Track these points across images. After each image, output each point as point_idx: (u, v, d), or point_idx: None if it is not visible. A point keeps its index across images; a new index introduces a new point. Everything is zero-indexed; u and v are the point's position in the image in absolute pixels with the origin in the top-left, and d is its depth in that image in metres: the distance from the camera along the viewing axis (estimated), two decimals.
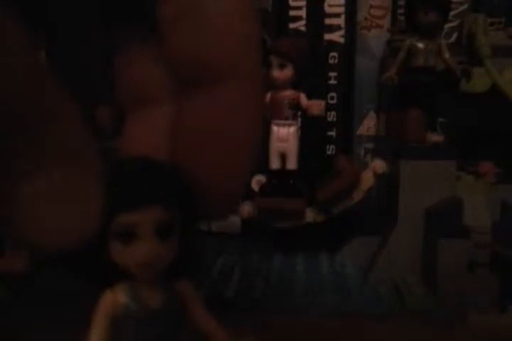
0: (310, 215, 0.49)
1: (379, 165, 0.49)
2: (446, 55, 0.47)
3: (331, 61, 0.61)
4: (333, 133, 0.62)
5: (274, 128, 0.49)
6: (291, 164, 0.49)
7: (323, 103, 0.49)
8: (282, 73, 0.48)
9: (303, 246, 0.50)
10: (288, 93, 0.49)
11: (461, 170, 0.46)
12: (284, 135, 0.49)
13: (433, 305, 0.38)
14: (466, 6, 0.58)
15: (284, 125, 0.49)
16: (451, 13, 0.56)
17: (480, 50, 0.46)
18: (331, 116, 0.63)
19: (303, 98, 0.49)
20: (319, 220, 0.49)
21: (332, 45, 0.61)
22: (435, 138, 0.47)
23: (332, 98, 0.62)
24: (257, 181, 0.51)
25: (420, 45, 0.47)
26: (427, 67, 0.47)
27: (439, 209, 0.43)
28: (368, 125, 0.60)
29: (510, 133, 0.45)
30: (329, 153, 0.62)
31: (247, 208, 0.47)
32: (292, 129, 0.49)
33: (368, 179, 0.49)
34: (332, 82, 0.62)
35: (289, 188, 0.49)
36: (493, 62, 0.47)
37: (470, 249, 0.39)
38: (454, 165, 0.44)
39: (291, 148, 0.49)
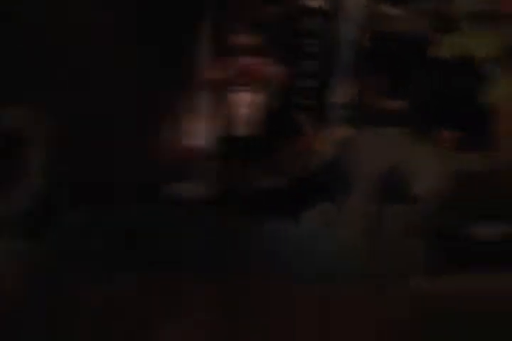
0: (268, 179, 0.50)
1: (339, 131, 0.49)
2: (419, 22, 0.46)
3: (310, 27, 0.60)
4: (308, 101, 0.60)
5: (239, 94, 0.50)
6: (255, 130, 0.50)
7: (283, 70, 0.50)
8: (249, 39, 0.49)
9: (263, 210, 0.50)
10: (255, 60, 0.49)
11: (420, 136, 0.46)
12: (247, 101, 0.50)
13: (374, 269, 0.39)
14: None
15: (247, 91, 0.50)
16: None
17: (454, 14, 0.45)
18: (308, 83, 0.61)
19: (269, 65, 0.50)
20: (280, 185, 0.49)
21: (313, 11, 0.59)
22: (395, 104, 0.47)
23: (310, 65, 0.60)
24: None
25: (384, 10, 0.48)
26: (395, 33, 0.47)
27: (389, 175, 0.43)
28: (344, 92, 0.58)
29: (475, 100, 0.45)
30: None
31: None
32: (256, 96, 0.50)
33: (327, 144, 0.49)
34: (310, 49, 0.60)
35: (250, 152, 0.50)
36: (469, 27, 0.46)
37: (414, 215, 0.40)
38: (410, 132, 0.45)
39: (255, 114, 0.50)
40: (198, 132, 0.54)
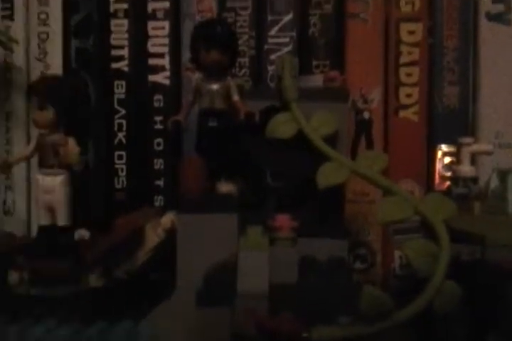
0: (91, 279, 0.41)
1: (166, 218, 0.42)
2: (235, 97, 0.41)
3: (156, 104, 0.56)
4: (160, 183, 0.55)
5: (40, 177, 0.42)
6: (62, 219, 0.42)
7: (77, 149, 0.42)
8: (42, 115, 0.42)
9: (87, 314, 0.41)
10: (54, 137, 0.42)
11: (251, 223, 0.38)
12: (50, 185, 0.42)
13: None
14: (289, 48, 0.54)
15: (49, 174, 0.42)
16: (275, 54, 0.54)
17: (285, 93, 0.40)
18: (158, 163, 0.56)
19: (71, 143, 0.42)
20: (100, 285, 0.41)
21: (157, 87, 0.55)
22: (225, 187, 0.41)
23: (158, 144, 0.56)
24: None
25: (207, 86, 0.42)
26: (214, 109, 0.42)
27: (212, 272, 0.36)
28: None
29: (313, 183, 0.38)
30: (157, 204, 0.56)
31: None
32: (59, 179, 0.42)
33: (154, 235, 0.42)
34: (158, 126, 0.56)
35: (57, 247, 0.42)
36: (302, 106, 0.41)
37: (238, 317, 0.33)
38: (236, 218, 0.38)
39: (60, 200, 0.42)
40: None
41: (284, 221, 0.39)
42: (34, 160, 0.47)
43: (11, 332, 0.38)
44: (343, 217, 0.44)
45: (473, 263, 0.37)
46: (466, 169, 0.48)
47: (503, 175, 0.41)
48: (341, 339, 0.34)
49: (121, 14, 0.56)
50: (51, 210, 0.43)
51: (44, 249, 0.42)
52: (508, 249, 0.36)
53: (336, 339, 0.33)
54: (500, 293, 0.35)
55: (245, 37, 0.55)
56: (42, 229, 0.43)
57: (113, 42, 0.56)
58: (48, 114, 0.43)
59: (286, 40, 0.55)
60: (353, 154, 0.51)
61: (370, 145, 0.55)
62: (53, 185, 0.43)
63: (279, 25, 0.55)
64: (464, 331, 0.38)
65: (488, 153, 0.49)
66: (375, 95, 0.55)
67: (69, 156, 0.42)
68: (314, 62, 0.55)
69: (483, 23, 0.54)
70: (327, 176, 0.39)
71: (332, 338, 0.33)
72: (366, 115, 0.56)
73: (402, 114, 0.55)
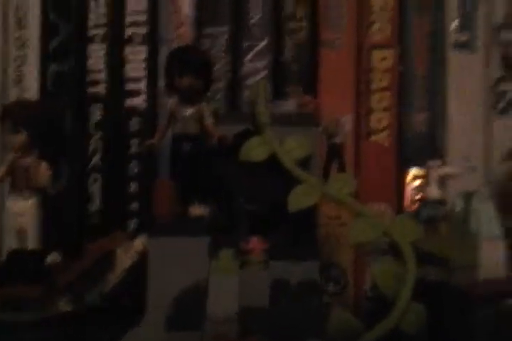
0: (60, 304, 0.41)
1: (138, 242, 0.43)
2: (208, 122, 0.43)
3: (132, 128, 0.57)
4: (135, 206, 0.56)
5: (11, 200, 0.43)
6: (32, 243, 0.42)
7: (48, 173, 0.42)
8: (15, 138, 0.42)
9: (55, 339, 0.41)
10: (26, 161, 0.42)
11: (223, 246, 0.38)
12: (21, 209, 0.42)
13: None
14: (265, 73, 0.56)
15: (20, 197, 0.42)
16: (250, 79, 0.55)
17: (259, 118, 0.41)
18: (133, 187, 0.57)
19: (43, 166, 0.42)
20: (70, 309, 0.41)
21: (133, 111, 0.56)
22: (197, 211, 0.41)
23: (133, 167, 0.56)
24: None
25: (181, 110, 0.43)
26: (187, 134, 0.43)
27: (182, 296, 0.36)
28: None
29: (286, 206, 0.39)
30: (131, 227, 0.56)
31: None
32: (30, 202, 0.42)
33: (126, 258, 0.42)
34: (133, 150, 0.56)
35: (26, 272, 0.41)
36: (275, 130, 0.42)
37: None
38: (206, 241, 0.38)
39: (30, 223, 0.42)
40: None
41: (256, 243, 0.39)
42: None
43: None
44: (315, 240, 0.44)
45: (439, 285, 0.38)
46: (434, 192, 0.49)
47: (467, 197, 0.42)
48: None
49: (98, 39, 0.57)
50: (22, 234, 0.43)
51: (14, 273, 0.42)
52: (472, 271, 0.37)
53: None
54: (465, 316, 0.36)
55: (222, 62, 0.57)
56: (12, 253, 0.43)
57: (90, 66, 0.57)
58: (22, 137, 0.43)
59: (262, 65, 0.57)
60: (326, 178, 0.54)
61: (341, 169, 0.57)
62: (24, 208, 0.43)
63: (255, 50, 0.57)
64: None
65: (456, 176, 0.51)
66: (346, 120, 0.57)
67: (40, 179, 0.43)
68: (288, 88, 0.56)
69: (451, 51, 0.57)
70: (299, 199, 0.40)
71: None
72: (338, 139, 0.58)
73: (373, 138, 0.57)
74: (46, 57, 0.57)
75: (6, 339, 0.40)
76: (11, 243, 0.43)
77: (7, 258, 0.43)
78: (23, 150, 0.43)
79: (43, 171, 0.43)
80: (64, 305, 0.41)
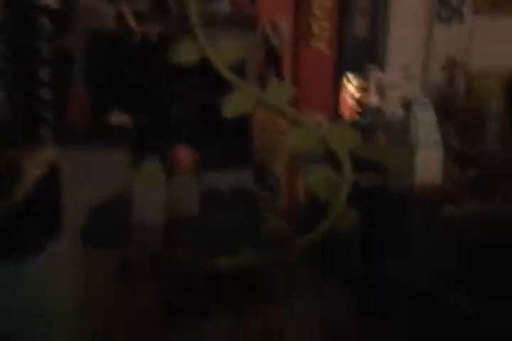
0: None
1: (48, 152, 0.40)
2: (130, 21, 0.39)
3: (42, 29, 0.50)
4: (49, 115, 0.50)
5: None
6: None
7: None
8: None
9: None
10: None
11: (148, 156, 0.35)
12: None
13: None
14: None
15: None
16: None
17: (189, 17, 0.38)
18: (45, 94, 0.49)
19: None
20: None
21: (43, 9, 0.49)
22: (118, 119, 0.39)
23: (46, 74, 0.51)
24: None
25: (98, 6, 0.39)
26: (106, 31, 0.39)
27: (99, 208, 0.35)
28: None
29: (218, 112, 0.37)
30: (42, 136, 0.51)
31: None
32: None
33: (35, 170, 0.39)
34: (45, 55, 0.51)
35: None
36: (207, 32, 0.38)
37: (131, 250, 0.32)
38: (127, 152, 0.36)
39: None
40: None
41: (183, 153, 0.37)
42: None
43: None
44: (249, 148, 0.43)
45: (374, 191, 0.38)
46: (372, 100, 0.48)
47: (406, 105, 0.41)
48: (241, 269, 0.33)
49: None
50: None
51: None
52: (409, 176, 0.37)
53: (235, 269, 0.33)
54: (400, 219, 0.36)
55: None
56: None
57: None
58: None
59: None
60: (262, 85, 0.52)
61: (279, 75, 0.54)
62: None
63: None
64: (361, 259, 0.40)
65: (394, 85, 0.50)
66: (286, 24, 0.55)
67: None
68: None
69: None
70: (233, 106, 0.37)
71: (231, 267, 0.33)
72: (276, 43, 0.55)
73: (312, 44, 0.55)
74: None
75: None
76: None
77: None
78: None
79: None
80: None
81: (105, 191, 0.35)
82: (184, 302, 0.33)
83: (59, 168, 0.36)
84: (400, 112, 0.42)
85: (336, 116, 0.53)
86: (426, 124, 0.38)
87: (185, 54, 0.38)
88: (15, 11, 0.48)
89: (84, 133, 0.36)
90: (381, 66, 0.53)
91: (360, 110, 0.47)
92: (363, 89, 0.49)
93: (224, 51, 0.39)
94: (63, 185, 0.35)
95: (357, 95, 0.51)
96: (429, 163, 0.37)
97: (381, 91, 0.47)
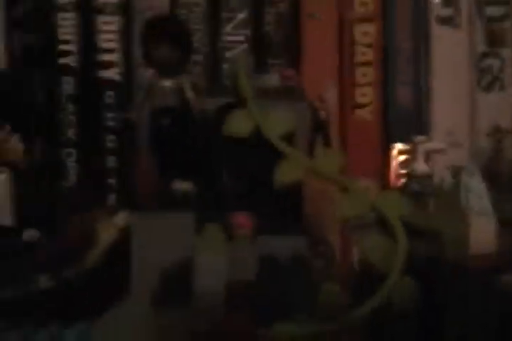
0: (41, 281, 0.40)
1: (120, 217, 0.42)
2: (189, 95, 0.41)
3: (107, 100, 0.55)
4: (113, 181, 0.55)
5: None
6: (5, 219, 0.41)
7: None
8: None
9: (38, 317, 0.40)
10: None
11: (209, 222, 0.37)
12: None
13: None
14: (245, 46, 0.55)
15: None
16: (230, 52, 0.54)
17: (241, 91, 0.40)
18: (110, 161, 0.56)
19: (15, 140, 0.41)
20: (49, 286, 0.40)
21: (107, 83, 0.55)
22: (182, 186, 0.40)
23: (111, 141, 0.55)
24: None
25: (159, 83, 0.42)
26: (167, 107, 0.41)
27: (168, 272, 0.36)
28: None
29: (270, 181, 0.38)
30: (111, 203, 0.55)
31: None
32: (2, 177, 0.41)
33: (107, 235, 0.42)
34: (109, 123, 0.55)
35: (3, 248, 0.40)
36: (259, 104, 0.40)
37: (193, 316, 0.33)
38: (192, 217, 0.37)
39: (2, 200, 0.41)
40: None
41: (242, 219, 0.39)
42: None
43: None
44: (301, 215, 0.44)
45: (429, 260, 0.38)
46: (420, 167, 0.49)
47: (456, 172, 0.42)
48: (298, 336, 0.34)
49: (69, 7, 0.55)
50: None
51: None
52: (464, 244, 0.37)
53: (293, 336, 0.33)
54: (457, 290, 0.36)
55: (199, 34, 0.55)
56: None
57: (60, 36, 0.55)
58: None
59: (241, 37, 0.55)
60: (311, 153, 0.54)
61: (327, 144, 0.57)
62: None
63: (234, 22, 0.56)
64: (421, 327, 0.39)
65: (441, 152, 0.51)
66: (331, 94, 0.58)
67: (11, 154, 0.41)
68: (270, 61, 0.55)
69: (434, 26, 0.56)
70: (284, 174, 0.39)
71: (288, 334, 0.33)
72: (323, 114, 0.58)
73: (357, 113, 0.57)
74: (13, 27, 0.54)
75: None
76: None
77: None
78: None
79: (15, 145, 0.42)
80: (44, 282, 0.40)
81: (173, 255, 0.36)
82: None
83: (129, 232, 0.38)
84: (448, 178, 0.43)
85: (383, 183, 0.54)
86: (476, 191, 0.39)
87: (239, 126, 0.40)
88: (84, 84, 0.54)
89: (151, 199, 0.38)
90: (427, 133, 0.55)
91: (408, 177, 0.49)
92: (409, 156, 0.51)
93: (275, 122, 0.41)
94: (134, 249, 0.37)
95: (404, 162, 0.52)
96: (482, 231, 0.37)
97: (427, 157, 0.48)
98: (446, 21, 0.57)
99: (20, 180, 0.42)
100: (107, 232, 0.42)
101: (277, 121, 0.42)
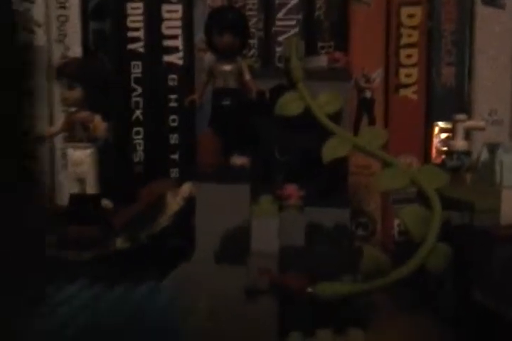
0: (117, 242, 0.45)
1: (185, 188, 0.46)
2: (247, 77, 0.45)
3: (170, 83, 0.59)
4: (176, 157, 0.59)
5: (70, 151, 0.46)
6: (91, 188, 0.46)
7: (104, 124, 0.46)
8: (71, 94, 0.45)
9: (113, 275, 0.44)
10: (82, 114, 0.46)
11: (263, 192, 0.42)
12: (79, 158, 0.46)
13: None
14: (296, 30, 0.57)
15: (78, 147, 0.46)
16: (282, 36, 0.57)
17: (292, 73, 0.43)
18: (173, 138, 0.60)
19: (98, 120, 0.46)
20: (125, 247, 0.45)
21: (171, 67, 0.58)
22: (239, 161, 0.44)
23: (173, 120, 0.59)
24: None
25: (220, 67, 0.45)
26: (227, 89, 0.45)
27: (228, 235, 0.40)
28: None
29: (318, 156, 0.41)
30: (172, 176, 0.59)
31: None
32: (88, 152, 0.46)
33: (174, 203, 0.46)
34: (172, 104, 0.59)
35: (86, 214, 0.45)
36: (308, 85, 0.44)
37: (251, 274, 0.36)
38: (248, 188, 0.41)
39: (89, 171, 0.46)
40: None
41: (292, 190, 0.42)
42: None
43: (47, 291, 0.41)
44: (346, 188, 0.47)
45: (462, 228, 0.41)
46: (459, 143, 0.50)
47: (492, 148, 0.44)
48: (343, 295, 0.37)
49: None
50: (81, 181, 0.47)
51: (75, 215, 0.46)
52: (494, 215, 0.39)
53: (338, 295, 0.37)
54: (486, 255, 0.38)
55: (254, 19, 0.58)
56: (73, 197, 0.47)
57: (129, 24, 0.59)
58: (77, 93, 0.46)
59: (293, 22, 0.58)
60: (356, 130, 0.55)
61: (371, 122, 0.58)
62: (83, 157, 0.46)
63: (287, 8, 0.58)
64: (453, 288, 0.42)
65: (481, 129, 0.52)
66: (377, 75, 0.59)
67: (98, 131, 0.46)
68: (319, 44, 0.58)
69: (479, 7, 0.57)
70: (331, 150, 0.42)
71: (334, 293, 0.37)
72: (368, 94, 0.59)
73: (402, 92, 0.59)
74: (86, 17, 0.59)
75: (69, 275, 0.44)
76: (72, 189, 0.47)
77: (69, 203, 0.47)
78: (78, 105, 0.47)
79: (99, 123, 0.46)
80: (120, 244, 0.45)
81: (232, 221, 0.39)
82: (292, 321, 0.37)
83: (194, 201, 0.42)
84: (485, 155, 0.44)
85: (424, 160, 0.56)
86: (509, 167, 0.41)
87: (290, 106, 0.43)
88: (150, 68, 0.58)
89: (212, 172, 0.41)
90: (468, 112, 0.56)
91: (447, 153, 0.50)
92: (450, 134, 0.52)
93: (323, 103, 0.44)
94: (198, 215, 0.41)
95: (444, 139, 0.54)
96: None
97: (467, 135, 0.49)
98: (491, 2, 0.58)
99: (102, 154, 0.47)
100: (174, 201, 0.47)
101: (326, 101, 0.45)
